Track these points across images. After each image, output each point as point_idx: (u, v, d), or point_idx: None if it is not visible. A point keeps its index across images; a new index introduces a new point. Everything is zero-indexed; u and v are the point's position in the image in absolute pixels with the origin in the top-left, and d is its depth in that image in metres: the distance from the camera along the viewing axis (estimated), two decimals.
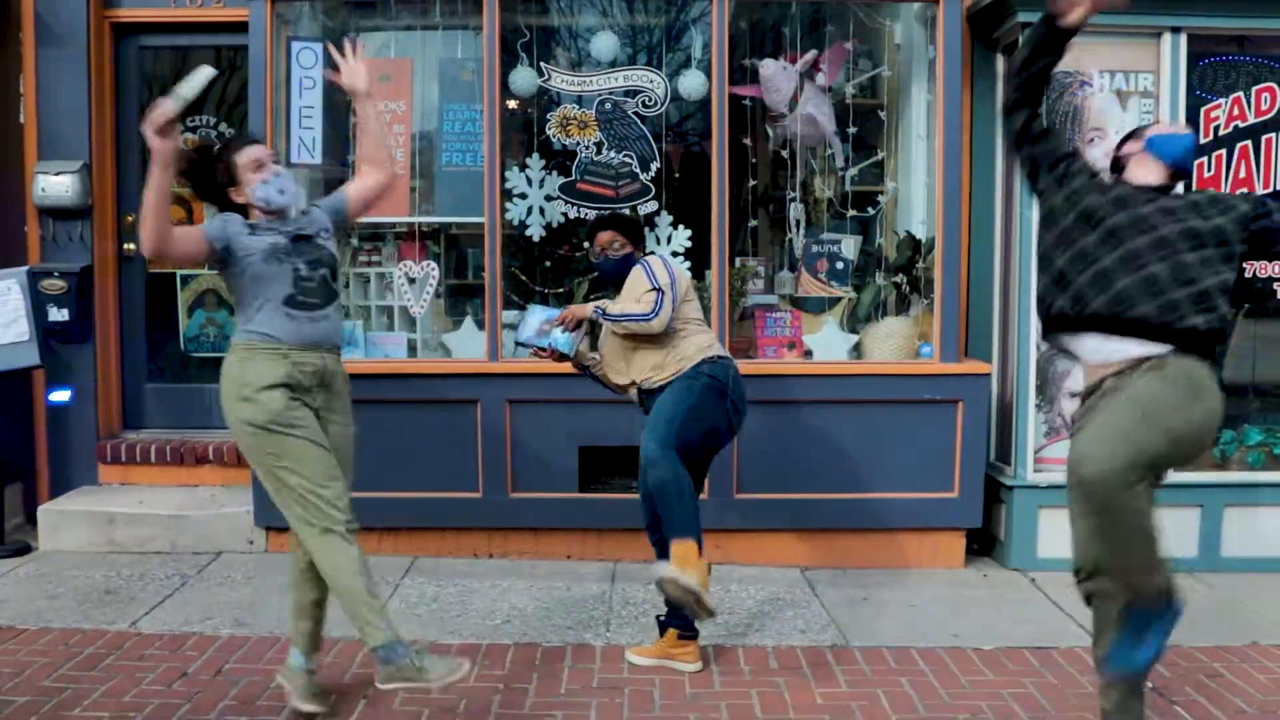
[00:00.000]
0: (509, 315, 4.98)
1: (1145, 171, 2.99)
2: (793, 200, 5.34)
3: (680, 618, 3.65)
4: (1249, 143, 4.99)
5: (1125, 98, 4.94)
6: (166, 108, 2.96)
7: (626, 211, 4.99)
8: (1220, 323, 2.80)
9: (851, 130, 5.29)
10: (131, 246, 5.51)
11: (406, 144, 5.15)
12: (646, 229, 5.07)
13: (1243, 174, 5.00)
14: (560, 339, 3.84)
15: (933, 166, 5.05)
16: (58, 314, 5.26)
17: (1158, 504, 3.11)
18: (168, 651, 3.82)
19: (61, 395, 5.34)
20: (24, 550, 5.01)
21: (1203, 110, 4.97)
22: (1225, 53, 5.00)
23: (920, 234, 5.20)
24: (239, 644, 3.86)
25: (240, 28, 5.05)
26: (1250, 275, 5.02)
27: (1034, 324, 4.92)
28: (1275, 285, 5.10)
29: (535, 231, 5.16)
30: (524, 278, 5.23)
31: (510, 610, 4.33)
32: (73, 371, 5.40)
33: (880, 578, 4.82)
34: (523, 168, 5.16)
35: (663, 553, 3.80)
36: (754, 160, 5.26)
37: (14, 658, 3.73)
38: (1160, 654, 2.86)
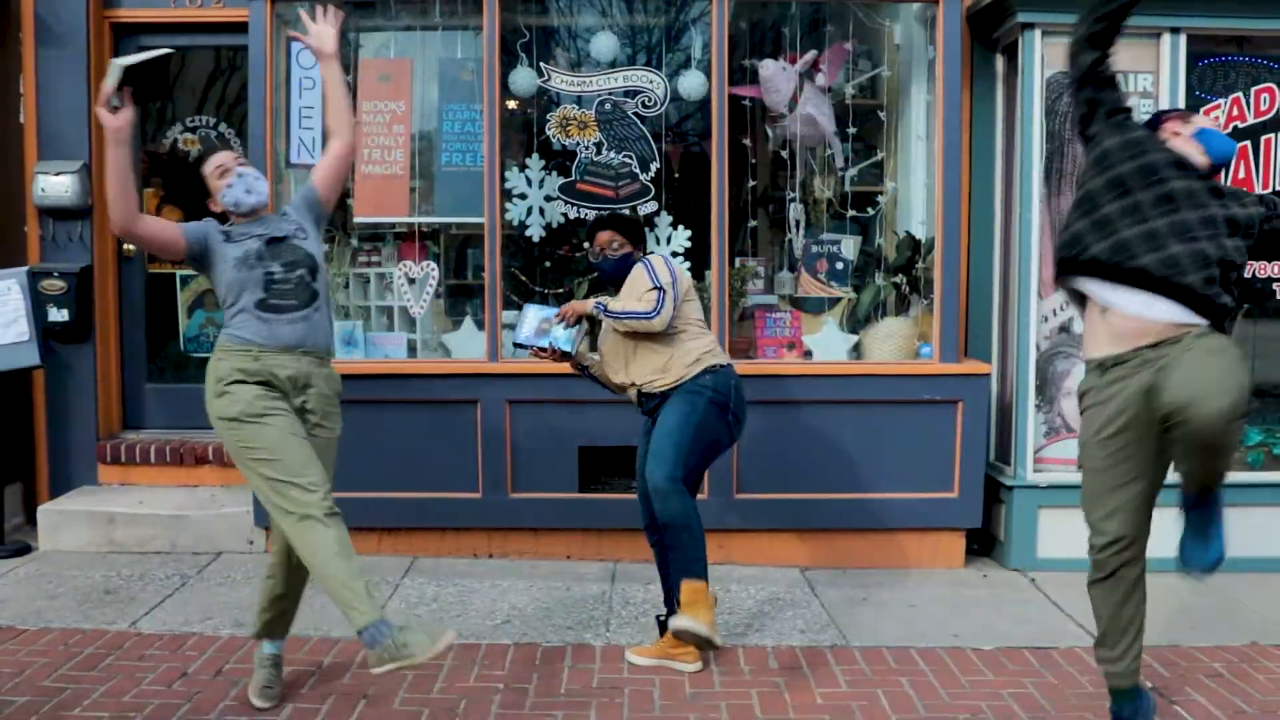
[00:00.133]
0: (509, 315, 4.98)
1: (1188, 155, 3.07)
2: (792, 200, 5.34)
3: (674, 596, 3.65)
4: (1248, 143, 5.00)
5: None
6: (106, 83, 3.01)
7: (626, 212, 4.99)
8: (1235, 309, 2.97)
9: (851, 130, 5.29)
10: (131, 247, 5.51)
11: (406, 144, 5.15)
12: (646, 229, 5.07)
13: (1242, 174, 5.01)
14: (561, 337, 3.81)
15: (932, 167, 5.05)
16: (57, 314, 5.26)
17: (1158, 506, 3.14)
18: (168, 651, 3.82)
19: None
20: (24, 550, 5.01)
21: (1201, 111, 4.96)
22: (1224, 53, 5.01)
23: (920, 234, 5.20)
24: (239, 644, 3.85)
25: (240, 28, 5.06)
26: (1250, 275, 5.02)
27: (1034, 324, 4.93)
28: (1275, 285, 5.10)
29: (535, 232, 5.16)
30: (524, 278, 5.23)
31: (510, 610, 4.33)
32: (72, 371, 5.40)
33: (880, 578, 4.82)
34: (522, 168, 5.16)
35: (661, 555, 3.80)
36: (754, 160, 5.27)
37: (14, 658, 3.73)
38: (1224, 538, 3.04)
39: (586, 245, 4.11)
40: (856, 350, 5.16)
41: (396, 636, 2.89)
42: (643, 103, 5.13)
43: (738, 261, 5.27)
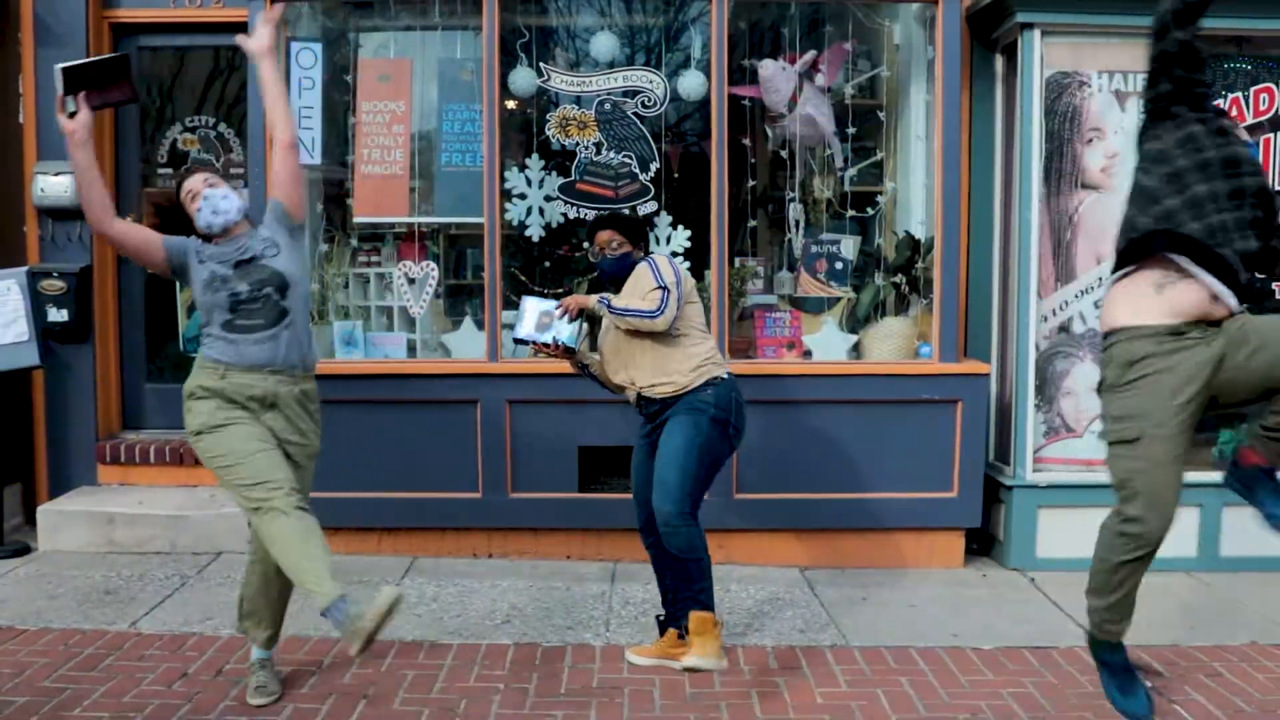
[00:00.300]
0: (508, 315, 4.97)
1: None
2: (792, 200, 5.35)
3: (681, 619, 3.65)
4: None
5: (1124, 98, 4.95)
6: (56, 89, 3.12)
7: (626, 211, 5.00)
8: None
9: (850, 130, 5.29)
10: None
11: (406, 144, 5.15)
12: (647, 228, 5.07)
13: None
14: (564, 332, 3.76)
15: (932, 166, 5.05)
16: (57, 314, 5.27)
17: None
18: (168, 652, 3.82)
19: None
20: (23, 551, 5.01)
21: None
22: (1224, 53, 5.01)
23: (919, 234, 5.20)
24: (239, 644, 3.85)
25: (240, 28, 5.01)
26: (1249, 275, 5.02)
27: (1033, 324, 4.93)
28: (1275, 286, 5.10)
29: (535, 232, 5.17)
30: (523, 278, 5.24)
31: (510, 610, 4.33)
32: (72, 372, 5.40)
33: (880, 577, 4.82)
34: (522, 168, 5.16)
35: (657, 557, 3.78)
36: (753, 160, 5.27)
37: (14, 658, 3.73)
38: None
39: (587, 245, 4.11)
40: (856, 350, 5.16)
41: (350, 610, 2.89)
42: (642, 103, 5.13)
43: (737, 261, 5.27)
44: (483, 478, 4.93)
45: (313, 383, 3.40)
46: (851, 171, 5.33)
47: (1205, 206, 3.02)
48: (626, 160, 5.13)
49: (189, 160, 5.69)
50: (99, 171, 3.28)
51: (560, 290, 5.21)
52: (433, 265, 5.22)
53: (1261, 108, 5.00)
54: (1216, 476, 4.97)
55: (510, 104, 5.25)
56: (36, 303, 5.12)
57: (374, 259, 5.31)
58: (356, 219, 5.23)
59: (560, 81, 5.15)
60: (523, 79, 5.15)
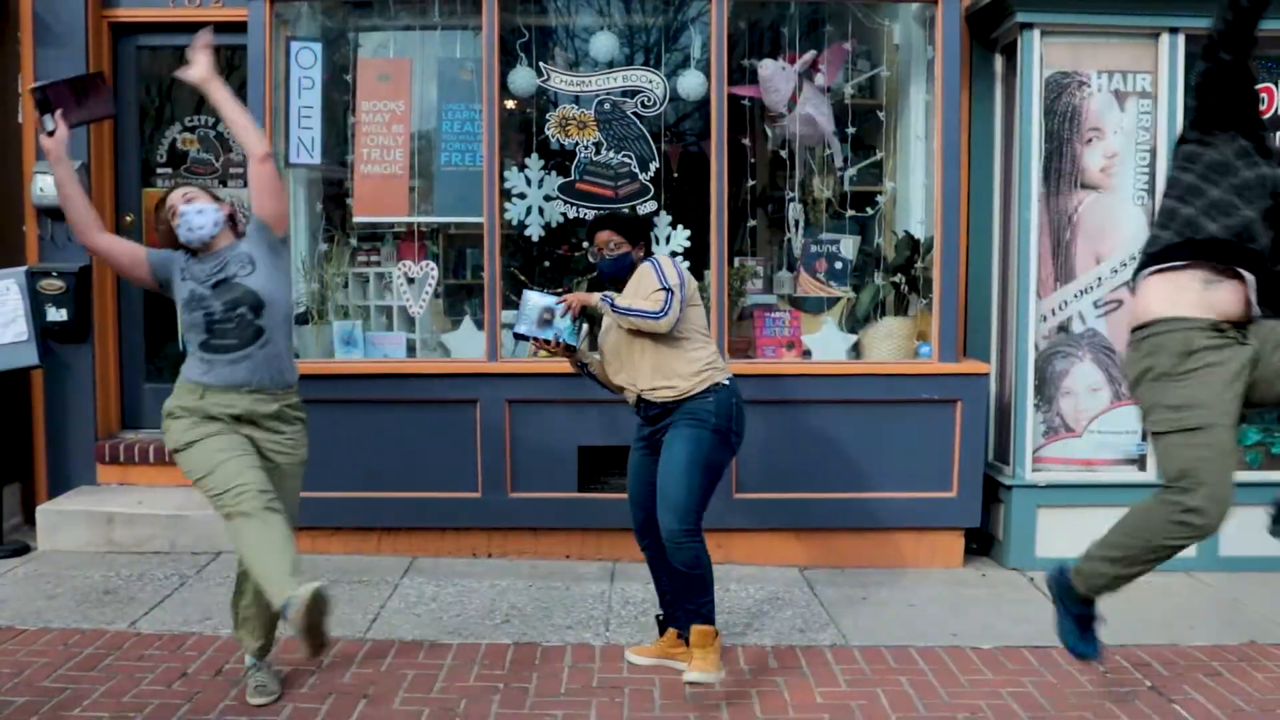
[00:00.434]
0: (508, 315, 4.97)
1: None
2: (791, 200, 5.35)
3: (679, 620, 3.65)
4: None
5: (1123, 98, 4.95)
6: (35, 108, 3.20)
7: (626, 211, 4.99)
8: None
9: (850, 130, 5.29)
10: None
11: (405, 144, 5.15)
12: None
13: None
14: (565, 329, 3.73)
15: (931, 166, 5.05)
16: (56, 314, 5.26)
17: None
18: (167, 651, 3.82)
19: None
20: (23, 550, 5.00)
21: None
22: None
23: (919, 234, 5.20)
24: (238, 644, 3.84)
25: (239, 28, 5.05)
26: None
27: (1033, 323, 4.93)
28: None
29: (534, 231, 5.17)
30: (523, 278, 5.23)
31: (510, 610, 4.33)
32: (71, 371, 5.40)
33: (879, 577, 4.82)
34: (522, 168, 5.16)
35: (654, 558, 3.77)
36: (753, 160, 5.27)
37: (13, 658, 3.72)
38: None
39: (586, 245, 4.10)
40: (855, 350, 5.16)
41: (293, 603, 2.86)
42: (642, 102, 5.13)
43: (737, 261, 5.27)
44: (482, 477, 4.93)
45: (295, 397, 3.39)
46: (851, 171, 5.33)
47: (1233, 217, 3.07)
48: (626, 160, 5.13)
49: (188, 160, 5.70)
50: (80, 187, 3.32)
51: (560, 290, 5.19)
52: (432, 265, 5.22)
53: (1261, 108, 4.99)
54: None
55: (510, 104, 5.25)
56: (36, 302, 5.11)
57: (373, 258, 5.31)
58: (356, 218, 5.23)
59: (560, 81, 5.15)
60: (522, 79, 5.15)
